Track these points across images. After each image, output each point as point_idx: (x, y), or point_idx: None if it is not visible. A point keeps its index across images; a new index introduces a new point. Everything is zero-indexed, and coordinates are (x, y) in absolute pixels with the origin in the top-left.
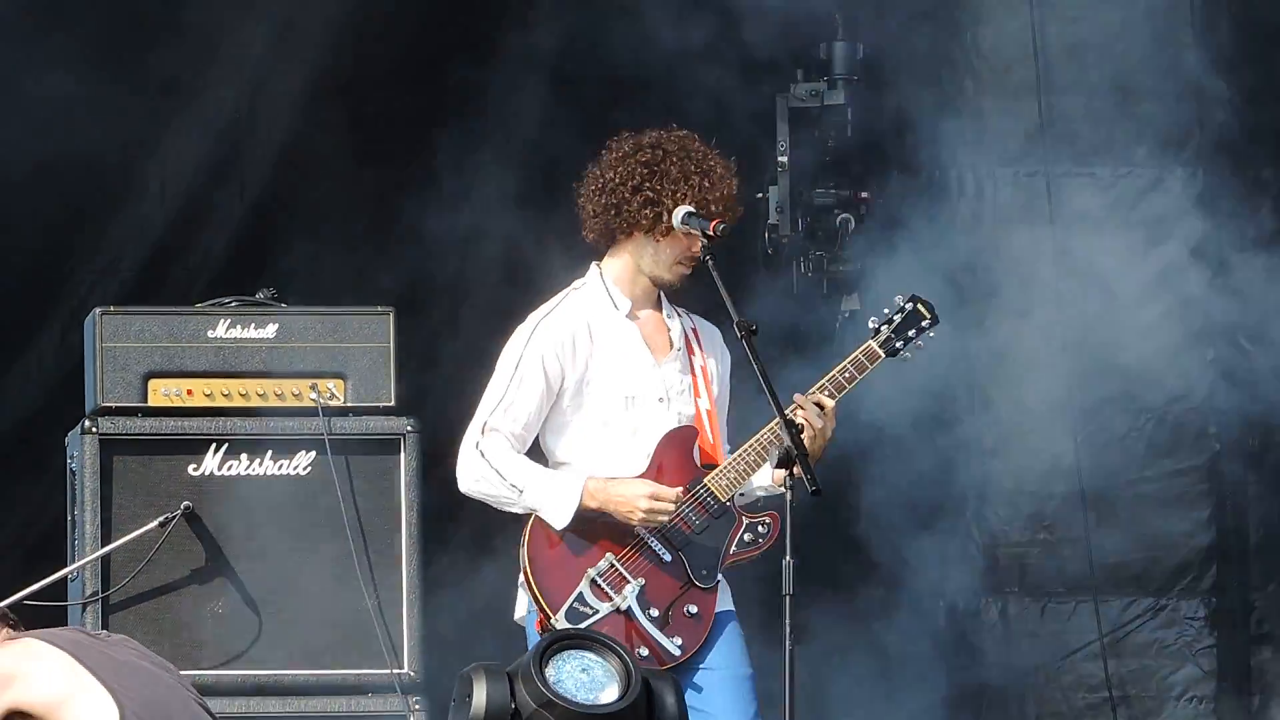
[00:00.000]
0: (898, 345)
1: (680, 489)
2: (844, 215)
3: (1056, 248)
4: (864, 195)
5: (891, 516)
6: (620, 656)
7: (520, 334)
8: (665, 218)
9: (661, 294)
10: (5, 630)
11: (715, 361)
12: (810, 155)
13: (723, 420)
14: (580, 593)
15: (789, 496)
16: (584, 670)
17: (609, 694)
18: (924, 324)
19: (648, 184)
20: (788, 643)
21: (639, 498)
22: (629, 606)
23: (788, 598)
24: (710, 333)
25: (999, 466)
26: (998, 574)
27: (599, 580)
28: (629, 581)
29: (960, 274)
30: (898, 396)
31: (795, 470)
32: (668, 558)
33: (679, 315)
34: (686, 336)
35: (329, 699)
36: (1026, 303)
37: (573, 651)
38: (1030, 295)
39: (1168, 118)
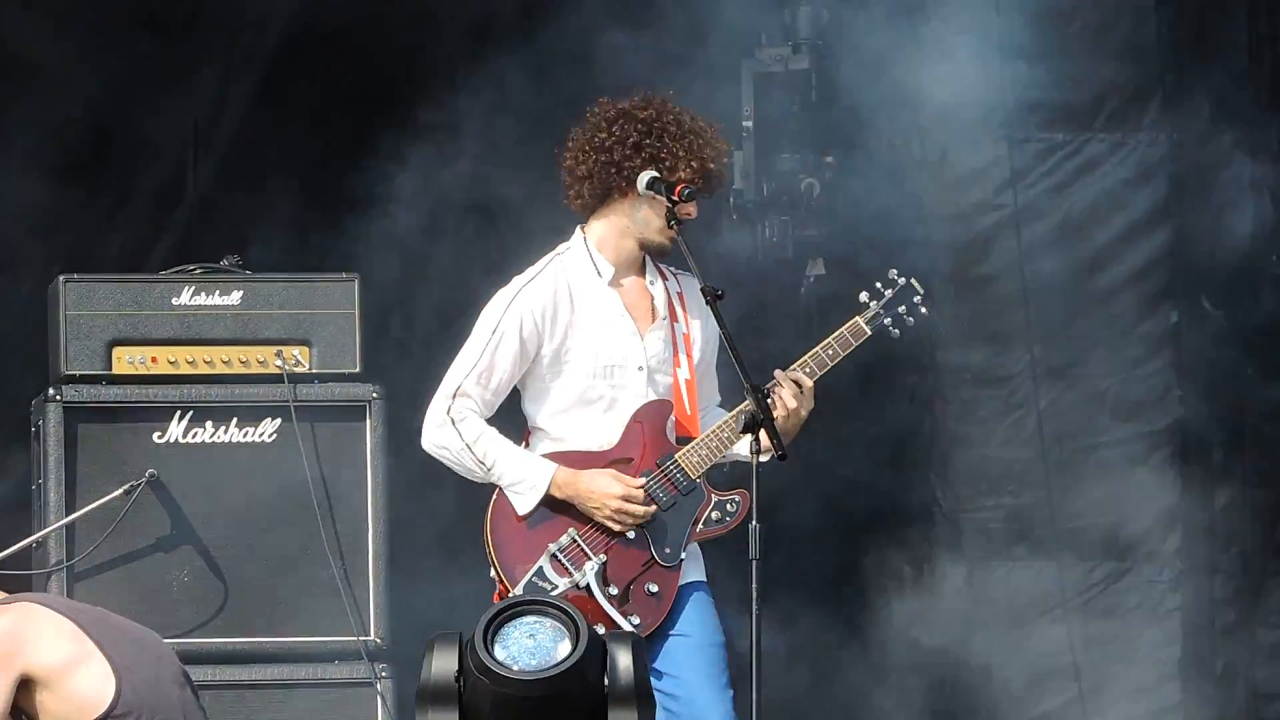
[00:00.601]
0: (886, 322)
1: (644, 484)
2: (809, 180)
3: (1020, 209)
4: (829, 159)
5: (853, 477)
6: (569, 618)
7: (500, 299)
8: (664, 176)
9: (646, 258)
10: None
11: (701, 325)
12: (775, 120)
13: (712, 382)
14: (540, 567)
15: (755, 462)
16: (531, 636)
17: (558, 657)
18: (916, 300)
19: (648, 141)
20: (754, 606)
21: (610, 497)
22: (588, 583)
23: (754, 562)
24: (694, 292)
25: (961, 429)
26: (962, 537)
27: (559, 555)
28: (590, 558)
29: (925, 237)
30: (856, 353)
31: (761, 435)
32: (631, 535)
33: (663, 278)
34: (670, 302)
35: (295, 666)
36: (992, 266)
37: (522, 619)
38: (994, 258)
39: (1130, 78)
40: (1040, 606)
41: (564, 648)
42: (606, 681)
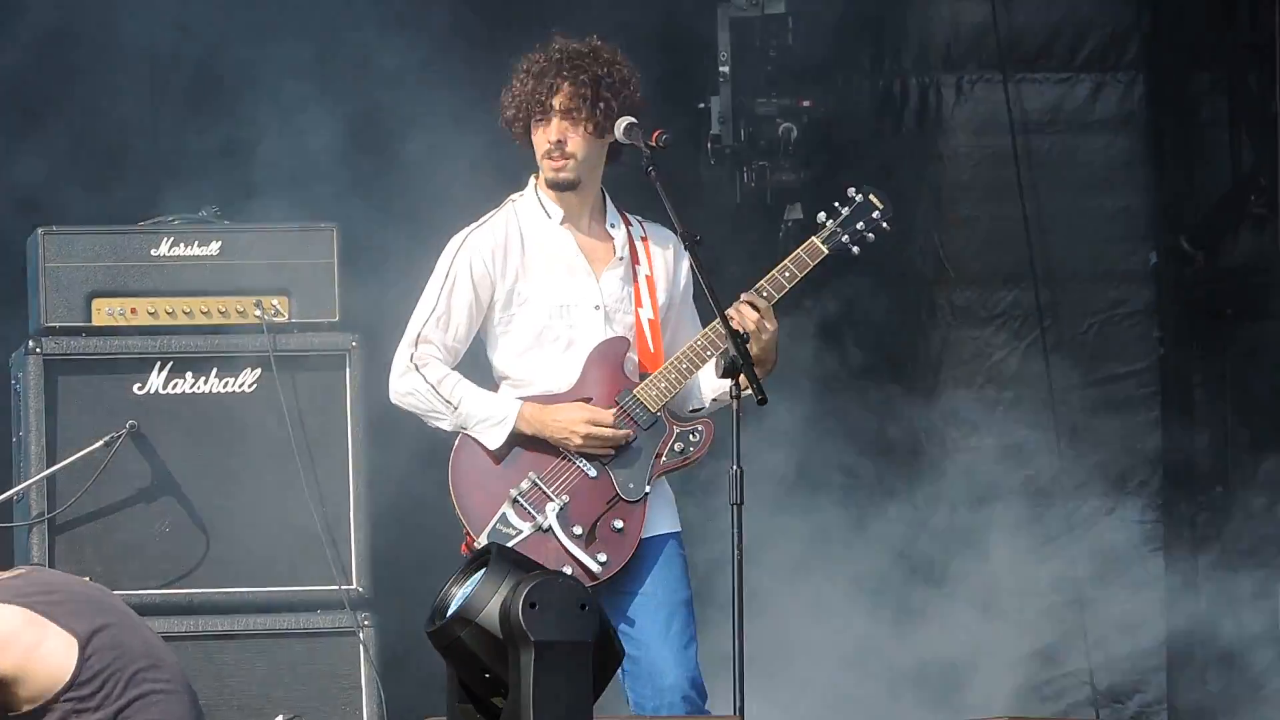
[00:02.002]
0: (843, 240)
1: (613, 410)
2: (786, 124)
3: (1005, 151)
4: (806, 104)
5: (844, 418)
6: (489, 568)
7: (450, 245)
8: (520, 122)
9: (607, 201)
10: None
11: (667, 269)
12: (752, 65)
13: (689, 324)
14: (503, 513)
15: (735, 406)
16: (469, 586)
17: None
18: (875, 215)
19: (514, 89)
20: (736, 552)
21: (577, 423)
22: (549, 525)
23: (735, 506)
24: (662, 237)
25: (947, 370)
26: (949, 477)
27: (521, 500)
28: (551, 500)
29: (906, 180)
30: (844, 297)
31: (741, 379)
32: (593, 473)
33: (628, 223)
34: (633, 245)
35: (278, 616)
36: (975, 206)
37: (479, 572)
38: (980, 198)
39: (1109, 19)
40: (1027, 544)
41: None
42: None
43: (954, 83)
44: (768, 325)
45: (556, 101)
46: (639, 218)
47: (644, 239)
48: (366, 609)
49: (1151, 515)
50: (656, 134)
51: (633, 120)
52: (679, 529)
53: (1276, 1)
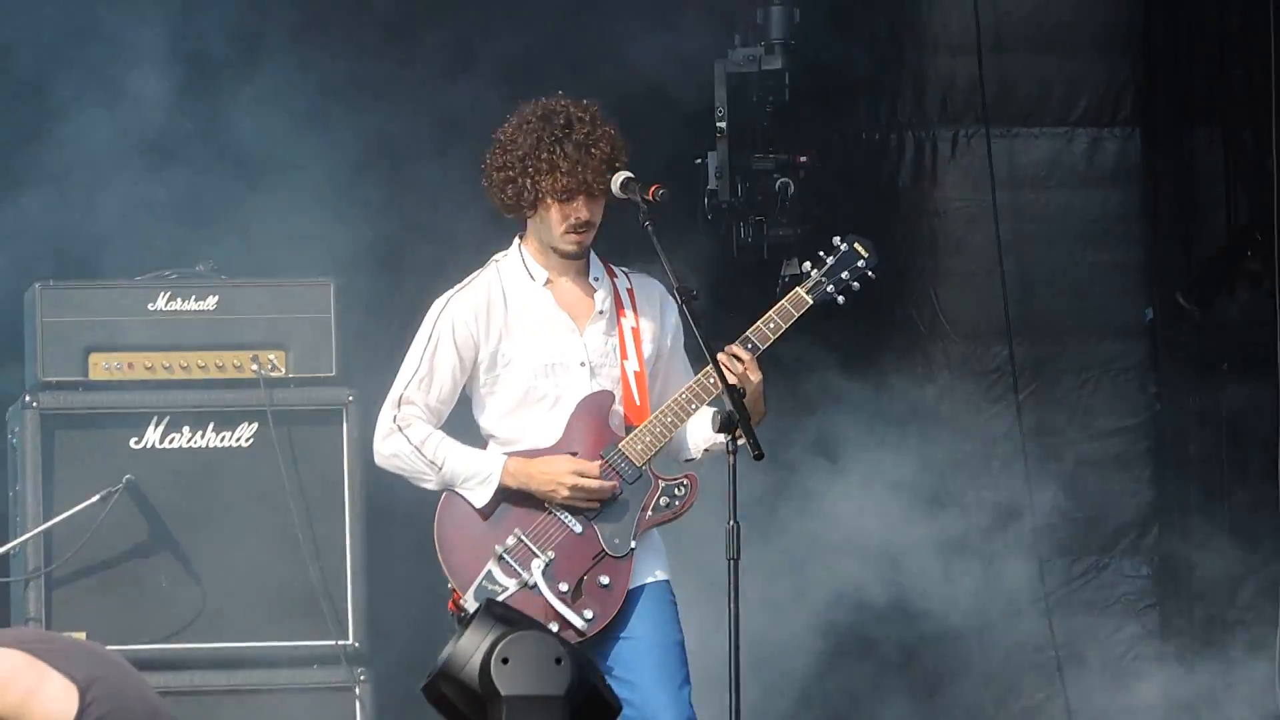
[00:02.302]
0: (828, 290)
1: (599, 463)
2: (783, 179)
3: (997, 207)
4: (803, 159)
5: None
6: (491, 631)
7: (434, 308)
8: (527, 195)
9: (591, 255)
10: None
11: (653, 320)
12: (749, 120)
13: (680, 376)
14: (489, 570)
15: (731, 461)
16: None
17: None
18: (860, 264)
19: (512, 163)
20: (732, 606)
21: (563, 474)
22: (535, 582)
23: (732, 561)
24: (648, 288)
25: (941, 425)
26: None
27: (507, 557)
28: (537, 556)
29: (901, 234)
30: (838, 352)
31: (737, 434)
32: (579, 529)
33: (613, 275)
34: (618, 297)
35: (274, 671)
36: (968, 263)
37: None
38: (971, 253)
39: (1105, 74)
40: (1021, 600)
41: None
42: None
43: (950, 137)
44: (751, 377)
45: (590, 178)
46: (625, 269)
47: (630, 290)
48: (363, 664)
49: (1146, 571)
50: (654, 188)
51: (629, 175)
52: (668, 577)
53: (1272, 56)
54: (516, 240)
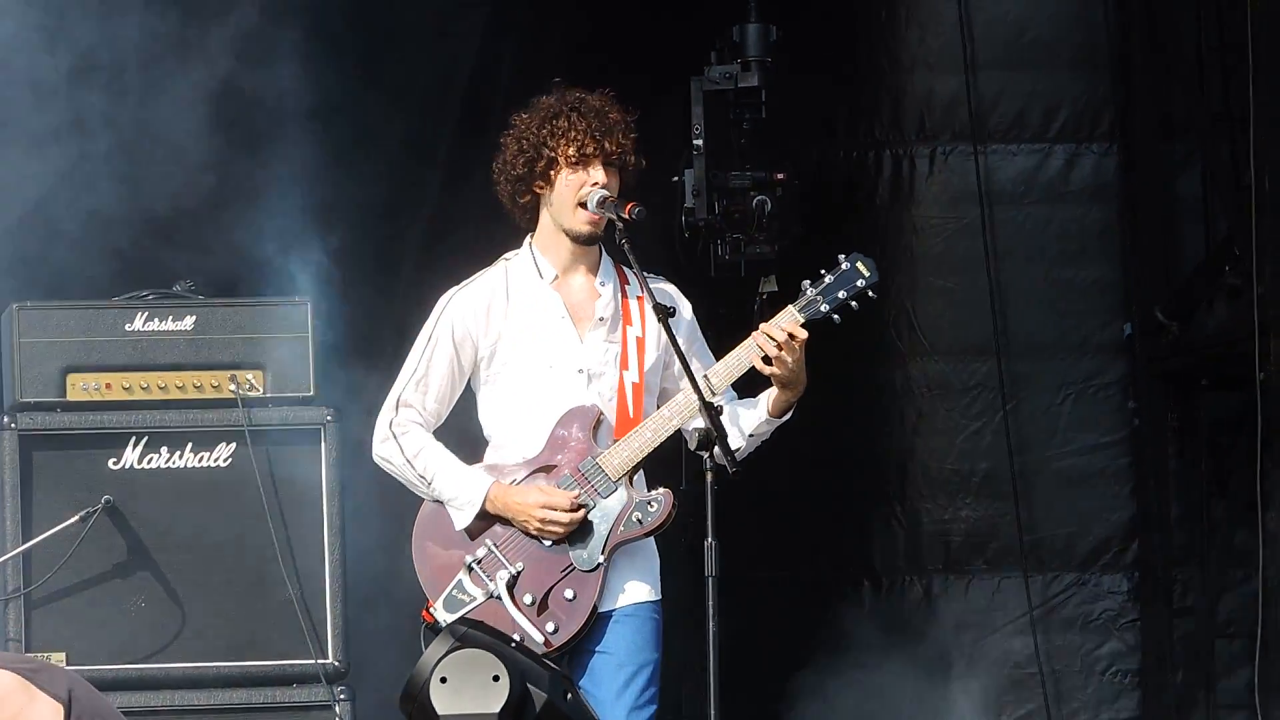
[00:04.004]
0: (823, 308)
1: (574, 494)
2: (760, 197)
3: (978, 221)
4: (780, 176)
5: (817, 492)
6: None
7: (438, 305)
8: (540, 166)
9: (603, 258)
10: None
11: (659, 328)
12: (725, 138)
13: (692, 375)
14: (459, 580)
15: (709, 479)
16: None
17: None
18: (860, 283)
19: (538, 135)
20: (711, 625)
21: (533, 507)
22: (499, 593)
23: (710, 579)
24: (660, 294)
25: (921, 443)
26: (921, 550)
27: (476, 567)
28: (505, 567)
29: (880, 251)
30: (819, 369)
31: (715, 452)
32: (547, 542)
33: (624, 280)
34: (626, 305)
35: (254, 690)
36: (949, 277)
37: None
38: (949, 270)
39: (1083, 91)
40: (1001, 618)
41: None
42: None
43: (928, 154)
44: (796, 346)
45: (610, 145)
46: (643, 273)
47: (640, 299)
48: (342, 682)
49: (1126, 587)
50: (630, 206)
51: (606, 193)
52: (658, 597)
53: (1249, 73)
54: (528, 239)
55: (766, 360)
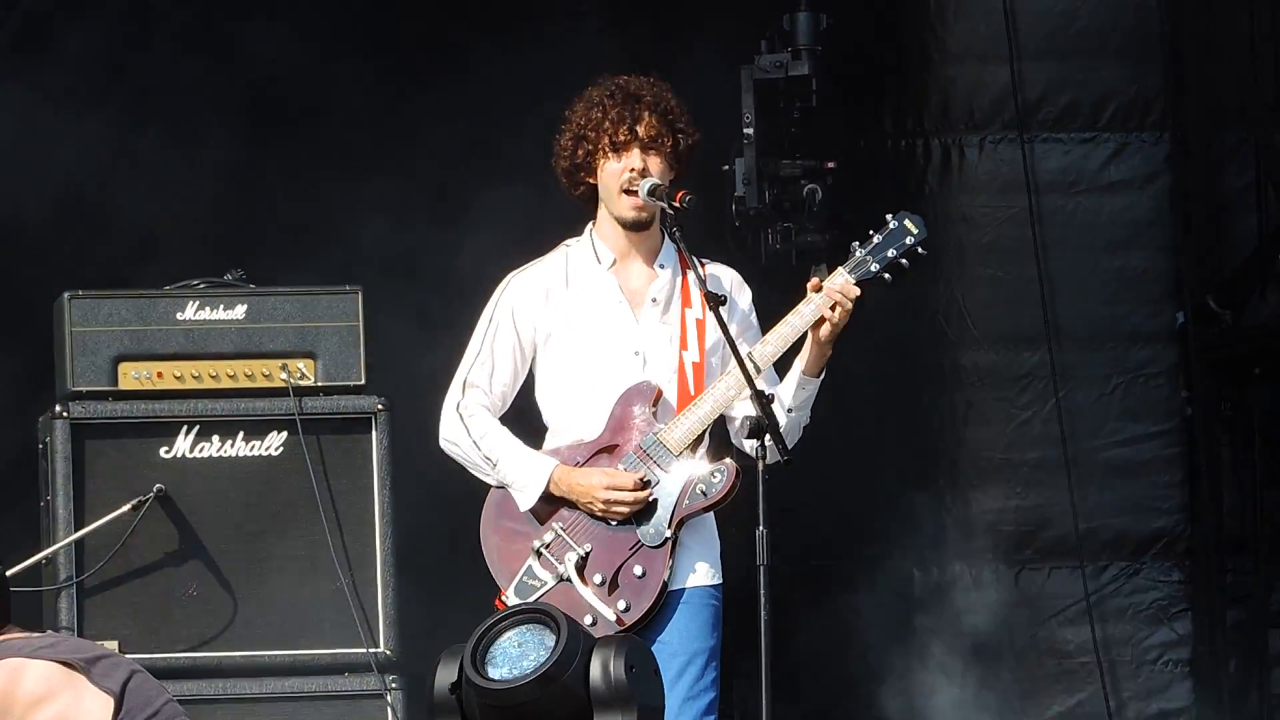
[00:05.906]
0: (873, 268)
1: (639, 475)
2: (811, 185)
3: (1027, 211)
4: (830, 165)
5: (867, 482)
6: (555, 623)
7: (499, 288)
8: (589, 155)
9: (665, 242)
10: None
11: (723, 310)
12: (775, 126)
13: (743, 364)
14: (529, 566)
15: (760, 466)
16: (519, 644)
17: (526, 666)
18: (909, 240)
19: (585, 119)
20: (763, 613)
21: (597, 489)
22: (569, 575)
23: (762, 568)
24: (717, 279)
25: (971, 432)
26: (971, 540)
27: (544, 552)
28: (573, 549)
29: (932, 240)
30: (868, 359)
31: (766, 439)
32: (614, 522)
33: (686, 265)
34: (685, 287)
35: (305, 679)
36: (998, 266)
37: (520, 627)
38: (1001, 259)
39: (1134, 79)
40: (1051, 608)
41: (541, 656)
42: (590, 685)
43: (977, 143)
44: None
45: (641, 130)
46: (704, 260)
47: (702, 280)
48: (394, 671)
49: (1178, 576)
50: (681, 194)
51: (656, 181)
52: (719, 581)
53: None
54: (589, 226)
55: (818, 323)
